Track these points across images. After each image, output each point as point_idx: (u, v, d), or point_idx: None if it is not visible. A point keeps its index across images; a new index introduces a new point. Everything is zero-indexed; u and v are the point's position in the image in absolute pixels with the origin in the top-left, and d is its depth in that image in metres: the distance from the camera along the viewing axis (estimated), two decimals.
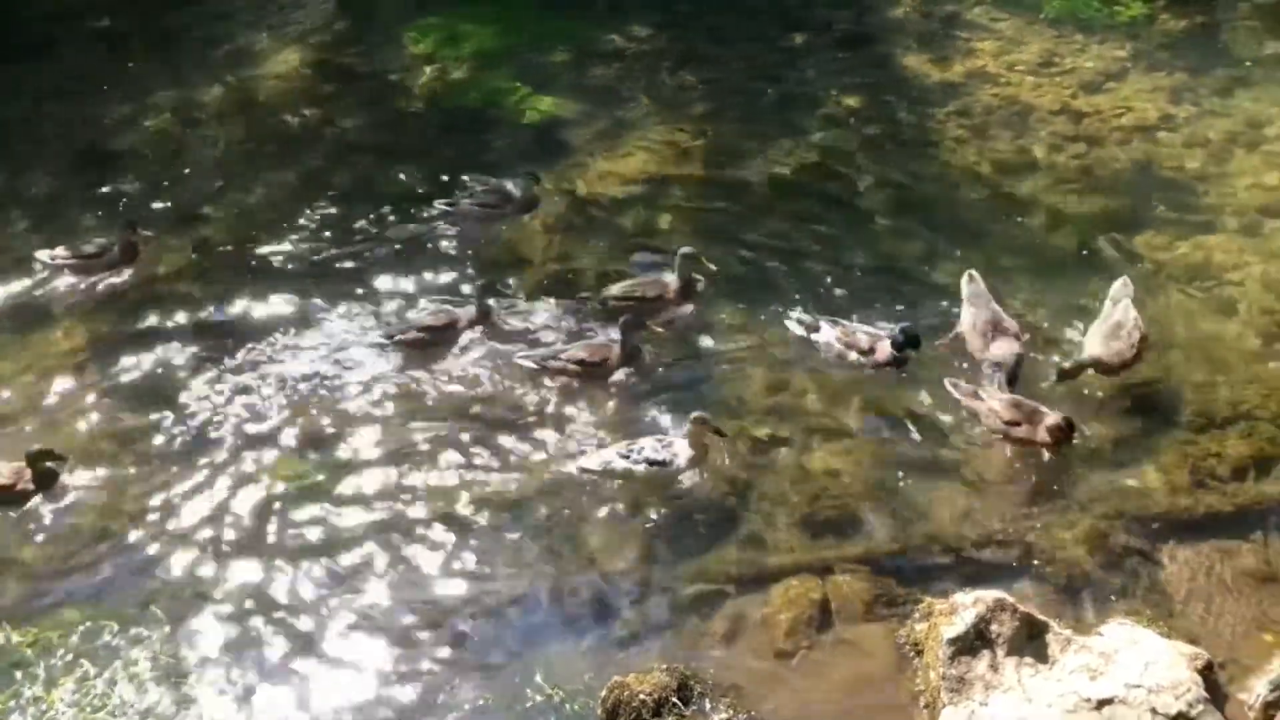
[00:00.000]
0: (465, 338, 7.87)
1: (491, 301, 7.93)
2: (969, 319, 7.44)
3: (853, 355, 7.49)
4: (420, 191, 9.25)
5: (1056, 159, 9.06)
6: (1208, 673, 5.52)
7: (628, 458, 6.87)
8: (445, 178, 9.31)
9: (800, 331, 7.71)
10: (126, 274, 8.54)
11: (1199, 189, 8.63)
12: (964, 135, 9.43)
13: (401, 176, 9.51)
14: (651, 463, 6.83)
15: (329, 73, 10.77)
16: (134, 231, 8.55)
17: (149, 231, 8.67)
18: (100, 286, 8.48)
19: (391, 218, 9.01)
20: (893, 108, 9.85)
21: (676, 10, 11.24)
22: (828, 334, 7.61)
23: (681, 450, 6.87)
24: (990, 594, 5.81)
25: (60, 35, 11.38)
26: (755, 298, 8.12)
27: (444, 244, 8.77)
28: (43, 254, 8.59)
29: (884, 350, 7.42)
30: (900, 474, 6.88)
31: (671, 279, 7.99)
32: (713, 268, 7.98)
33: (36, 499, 6.99)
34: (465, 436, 7.28)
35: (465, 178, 8.89)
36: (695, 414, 6.84)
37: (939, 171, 9.15)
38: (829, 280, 8.25)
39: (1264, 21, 10.18)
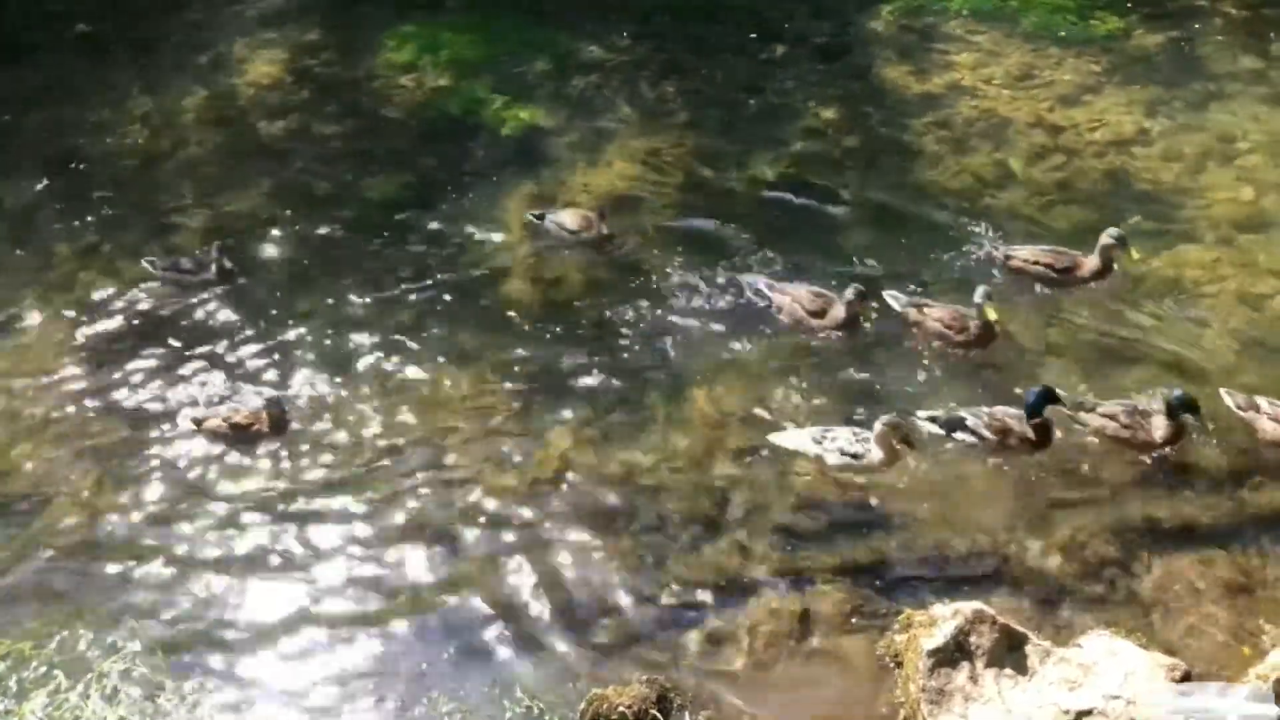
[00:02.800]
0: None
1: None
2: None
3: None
4: (399, 205, 9.24)
5: (1034, 171, 9.12)
6: (1186, 683, 5.54)
7: (820, 443, 6.86)
8: (424, 187, 9.31)
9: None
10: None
11: (1174, 202, 8.69)
12: (942, 147, 9.47)
13: (382, 187, 9.48)
14: (844, 454, 6.80)
15: (308, 80, 10.72)
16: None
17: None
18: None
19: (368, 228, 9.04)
20: (872, 119, 9.88)
21: (656, 21, 11.25)
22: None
23: (874, 449, 6.79)
24: (970, 605, 5.82)
25: (39, 41, 11.28)
26: (736, 306, 8.14)
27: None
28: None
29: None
30: (879, 484, 6.88)
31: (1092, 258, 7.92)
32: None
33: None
34: (443, 442, 7.28)
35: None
36: (886, 418, 6.75)
37: (918, 183, 9.19)
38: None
39: (1236, 37, 10.27)
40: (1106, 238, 7.91)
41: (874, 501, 6.83)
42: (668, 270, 8.49)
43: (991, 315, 7.48)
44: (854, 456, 6.79)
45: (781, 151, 9.61)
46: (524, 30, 11.19)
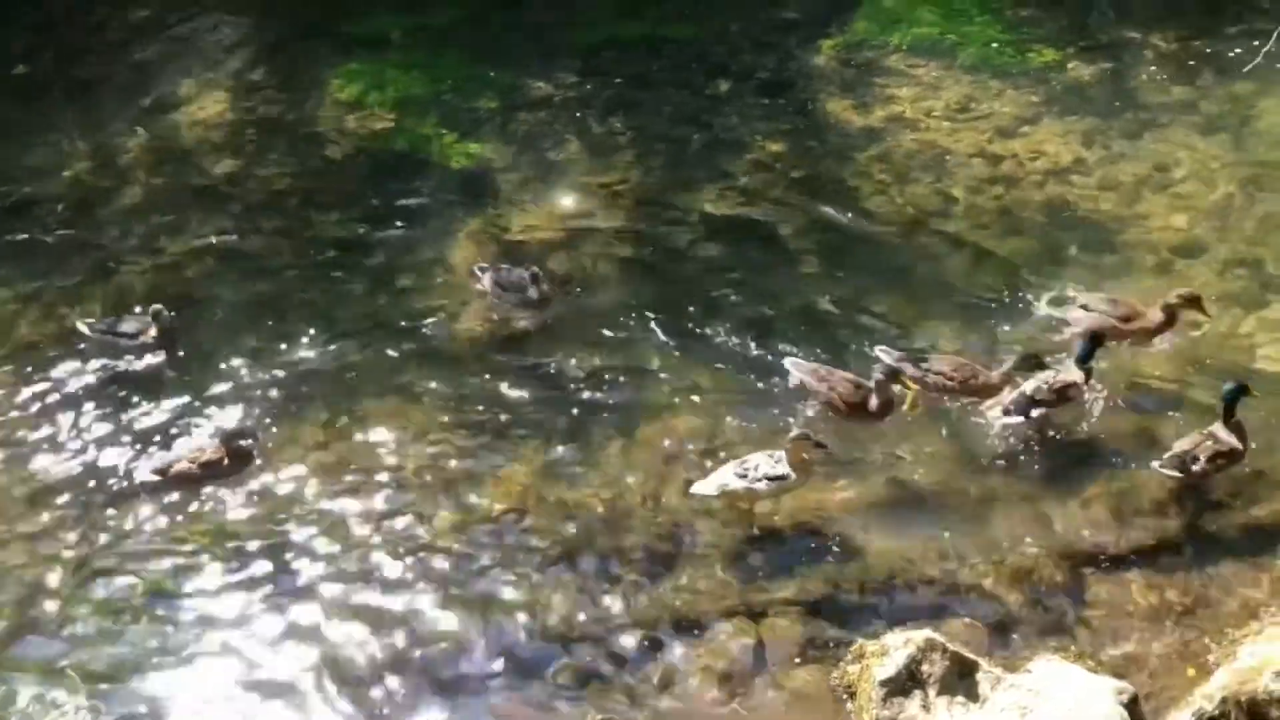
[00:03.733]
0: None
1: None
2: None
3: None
4: (346, 244, 9.20)
5: (975, 201, 9.27)
6: (1134, 706, 5.61)
7: (745, 476, 6.77)
8: (372, 225, 9.29)
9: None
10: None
11: (1113, 230, 8.87)
12: (886, 179, 9.60)
13: (328, 225, 9.44)
14: (770, 479, 6.74)
15: (253, 120, 10.65)
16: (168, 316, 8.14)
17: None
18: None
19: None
20: (816, 152, 10.01)
21: (602, 57, 11.33)
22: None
23: (788, 466, 6.78)
24: (921, 634, 5.86)
25: None
26: (687, 340, 8.19)
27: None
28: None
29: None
30: (831, 514, 6.93)
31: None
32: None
33: None
34: (393, 480, 7.25)
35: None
36: (795, 431, 6.80)
37: (863, 214, 9.31)
38: (759, 322, 8.34)
39: (1167, 69, 10.53)
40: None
41: (825, 530, 6.85)
42: (617, 306, 8.51)
43: (909, 399, 7.33)
44: (779, 478, 6.78)
45: (728, 185, 9.69)
46: (470, 67, 11.22)
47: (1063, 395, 7.23)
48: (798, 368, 7.60)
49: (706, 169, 9.88)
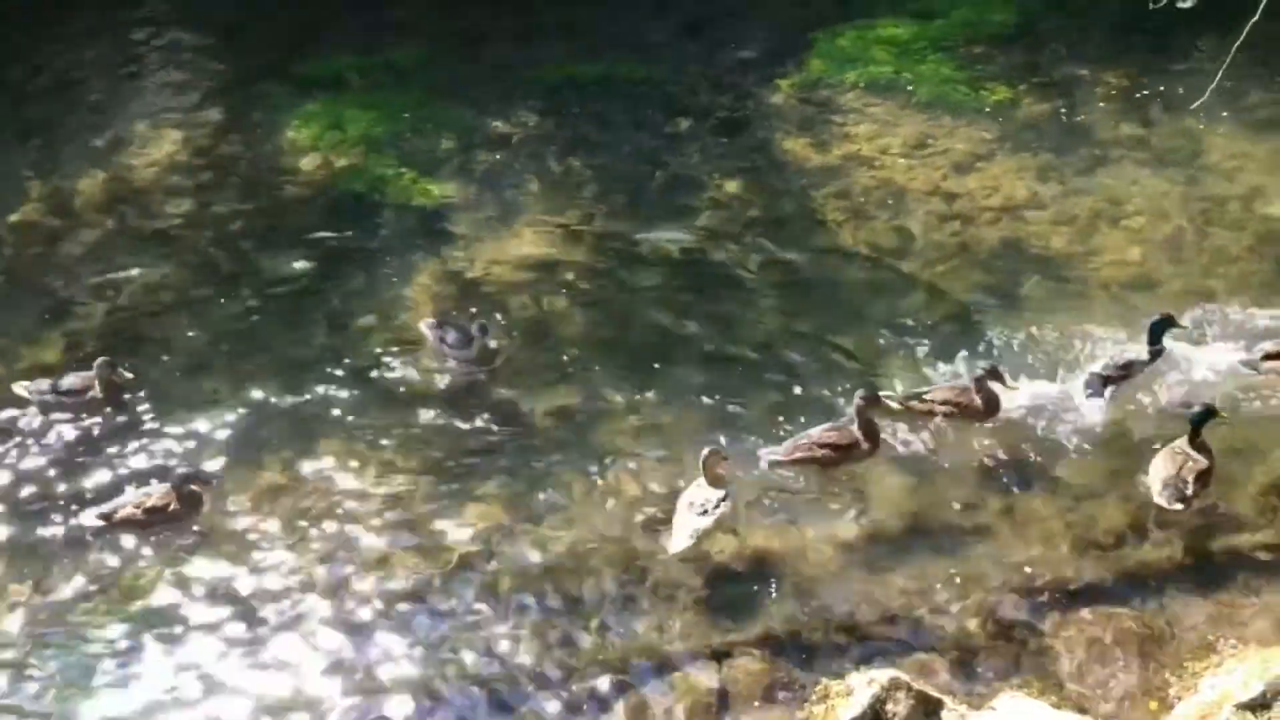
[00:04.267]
0: None
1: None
2: None
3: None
4: (305, 284, 9.14)
5: (932, 238, 9.36)
6: None
7: (706, 512, 6.83)
8: (329, 266, 9.23)
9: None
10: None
11: (1067, 265, 8.98)
12: (844, 216, 9.69)
13: (287, 266, 9.37)
14: (721, 502, 6.85)
15: (208, 161, 10.58)
16: (113, 369, 7.91)
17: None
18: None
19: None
20: (775, 190, 10.08)
21: (562, 97, 11.38)
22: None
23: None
24: (885, 673, 5.86)
25: None
26: (648, 379, 8.16)
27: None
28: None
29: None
30: (795, 554, 6.91)
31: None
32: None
33: None
34: (351, 526, 7.16)
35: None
36: (707, 449, 6.94)
37: (821, 251, 9.38)
38: (720, 359, 8.36)
39: (1118, 105, 10.72)
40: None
41: (789, 570, 6.83)
42: (578, 344, 8.50)
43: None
44: (723, 499, 6.88)
45: (688, 223, 9.74)
46: (429, 107, 11.23)
47: (1128, 370, 7.78)
48: (773, 455, 7.40)
49: (666, 207, 9.93)
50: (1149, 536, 6.92)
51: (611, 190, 10.17)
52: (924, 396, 7.67)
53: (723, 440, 7.45)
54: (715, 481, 6.93)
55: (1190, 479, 6.86)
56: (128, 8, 12.71)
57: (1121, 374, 7.77)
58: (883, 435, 7.44)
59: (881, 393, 7.57)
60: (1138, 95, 10.81)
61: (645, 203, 10.01)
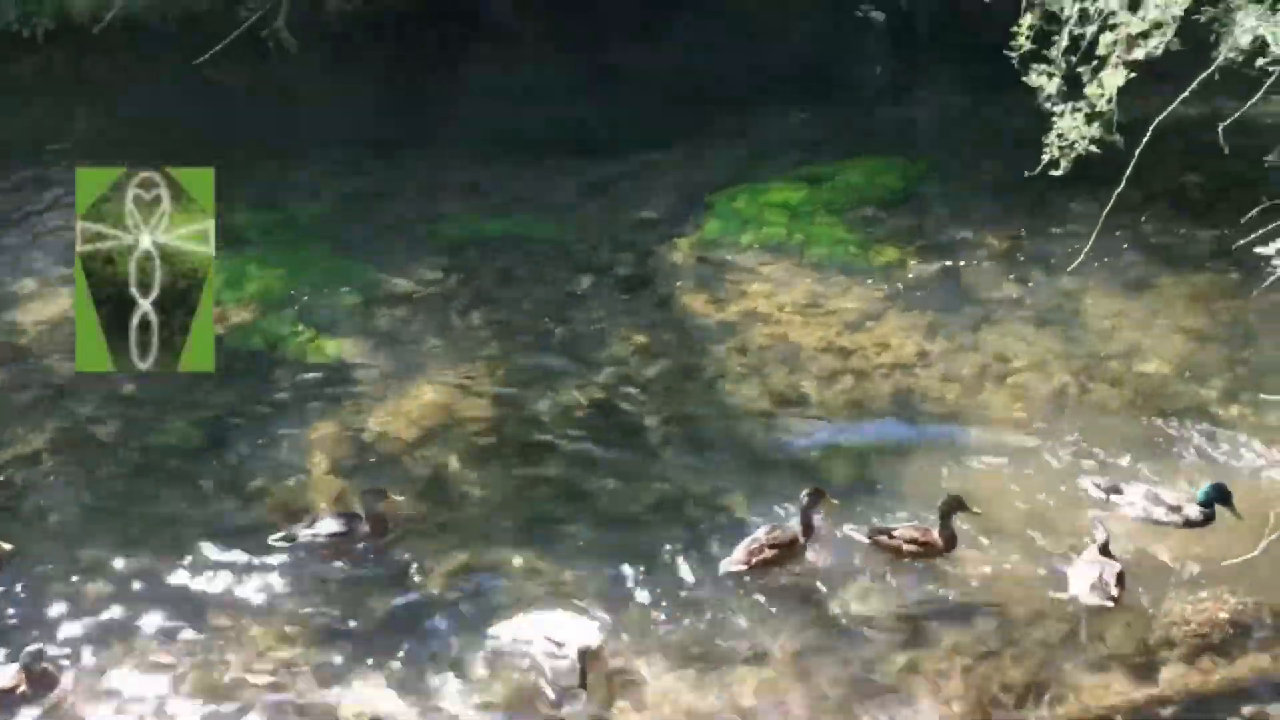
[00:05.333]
0: None
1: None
2: None
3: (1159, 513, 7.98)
4: (195, 446, 8.92)
5: (826, 394, 9.56)
6: None
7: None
8: (221, 428, 9.08)
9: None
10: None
11: (956, 421, 9.22)
12: (743, 371, 9.86)
13: (176, 427, 9.16)
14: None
15: None
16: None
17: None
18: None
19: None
20: (675, 346, 10.25)
21: (465, 255, 11.53)
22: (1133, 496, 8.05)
23: None
24: None
25: None
26: (549, 537, 8.07)
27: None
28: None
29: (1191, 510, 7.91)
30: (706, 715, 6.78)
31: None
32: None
33: None
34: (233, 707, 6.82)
35: None
36: (590, 647, 6.86)
37: (721, 406, 9.50)
38: (621, 518, 8.30)
39: (999, 265, 11.22)
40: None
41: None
42: (478, 503, 8.41)
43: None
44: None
45: (590, 378, 9.81)
46: (331, 262, 11.26)
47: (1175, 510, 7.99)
48: (732, 565, 7.68)
49: (568, 362, 10.00)
50: (1044, 693, 6.90)
51: (513, 347, 10.23)
52: (892, 533, 7.86)
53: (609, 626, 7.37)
54: (589, 680, 6.78)
55: (1111, 580, 7.27)
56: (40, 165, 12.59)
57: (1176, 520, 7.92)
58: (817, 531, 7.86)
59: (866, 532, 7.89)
60: (1019, 256, 11.32)
61: (547, 358, 10.08)
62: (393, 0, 16.13)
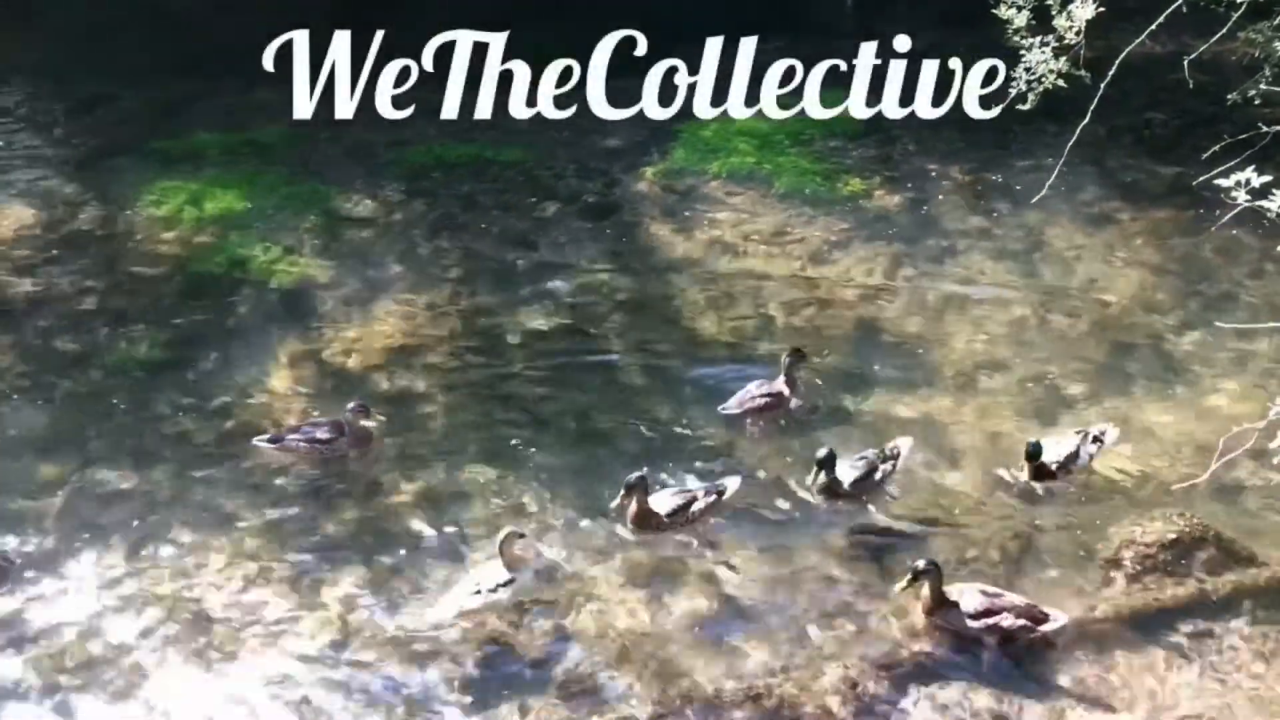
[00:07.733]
0: None
1: None
2: None
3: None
4: (157, 362, 8.84)
5: (791, 322, 9.62)
6: None
7: (479, 593, 6.81)
8: (184, 346, 9.00)
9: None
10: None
11: (919, 349, 9.33)
12: (707, 300, 9.90)
13: (137, 343, 9.07)
14: (502, 585, 6.87)
15: (58, 237, 10.25)
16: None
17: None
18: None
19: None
20: (640, 274, 10.25)
21: (430, 178, 11.41)
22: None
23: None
24: None
25: None
26: (513, 459, 8.13)
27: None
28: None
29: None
30: (652, 630, 6.90)
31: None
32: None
33: None
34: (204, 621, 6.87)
35: None
36: (505, 530, 7.02)
37: (686, 333, 9.54)
38: (584, 438, 8.38)
39: (964, 197, 11.30)
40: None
41: (647, 647, 6.79)
42: (444, 425, 8.43)
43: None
44: (508, 583, 6.92)
45: (555, 305, 9.81)
46: (292, 184, 11.12)
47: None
48: (726, 409, 8.47)
49: (533, 290, 9.99)
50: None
51: (478, 272, 10.20)
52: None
53: (585, 523, 7.46)
54: (512, 564, 6.95)
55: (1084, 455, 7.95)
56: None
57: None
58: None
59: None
60: (982, 189, 11.41)
61: (512, 285, 10.05)
62: None
